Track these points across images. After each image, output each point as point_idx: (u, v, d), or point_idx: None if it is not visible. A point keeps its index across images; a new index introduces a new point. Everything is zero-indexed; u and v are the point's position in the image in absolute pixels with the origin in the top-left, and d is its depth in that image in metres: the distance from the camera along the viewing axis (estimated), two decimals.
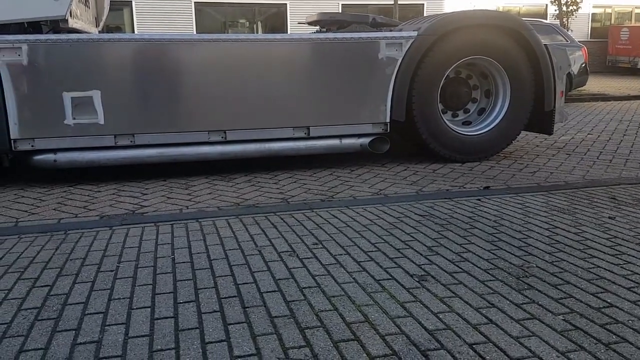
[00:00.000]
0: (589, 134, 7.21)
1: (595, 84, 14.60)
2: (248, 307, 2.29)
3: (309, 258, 2.86)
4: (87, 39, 4.48)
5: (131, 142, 4.64)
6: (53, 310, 2.30)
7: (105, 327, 2.14)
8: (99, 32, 6.43)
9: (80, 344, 2.02)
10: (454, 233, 3.24)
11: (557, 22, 16.47)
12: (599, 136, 6.99)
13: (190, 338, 2.05)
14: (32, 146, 4.47)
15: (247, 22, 18.11)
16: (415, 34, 5.06)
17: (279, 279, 2.58)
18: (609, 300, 2.32)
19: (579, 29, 20.47)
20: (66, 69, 4.42)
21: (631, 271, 2.63)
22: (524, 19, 5.93)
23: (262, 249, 3.00)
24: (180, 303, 2.34)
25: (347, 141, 5.13)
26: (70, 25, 4.82)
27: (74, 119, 4.49)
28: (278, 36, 4.90)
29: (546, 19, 18.46)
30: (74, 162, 4.58)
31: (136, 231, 3.36)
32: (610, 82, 15.68)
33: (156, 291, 2.47)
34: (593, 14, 21.89)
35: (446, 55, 5.16)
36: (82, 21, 5.46)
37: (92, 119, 4.52)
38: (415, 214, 3.65)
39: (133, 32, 16.49)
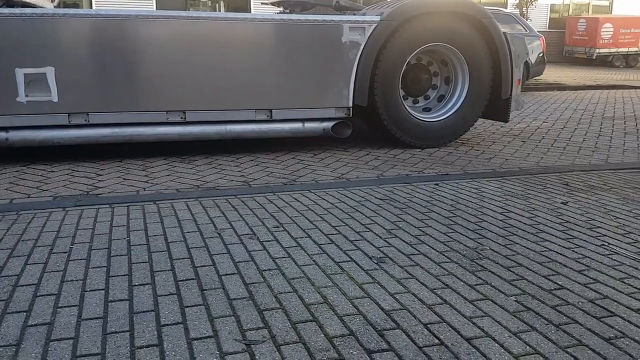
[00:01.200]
0: (544, 122, 7.39)
1: (552, 74, 14.96)
2: (206, 290, 2.27)
3: (269, 241, 2.85)
4: (42, 13, 4.31)
5: (86, 121, 4.51)
6: (3, 292, 2.23)
7: (58, 309, 2.09)
8: (55, 7, 6.20)
9: (32, 325, 1.97)
10: (412, 217, 3.28)
11: (517, 11, 16.76)
12: (553, 124, 7.18)
13: (145, 321, 2.02)
14: None
15: (210, 1, 17.76)
16: (378, 18, 5.06)
17: (239, 262, 2.57)
18: (560, 283, 2.39)
19: (538, 19, 20.88)
20: (19, 45, 4.25)
21: (582, 255, 2.72)
22: (484, 7, 5.99)
23: (222, 232, 2.98)
24: (135, 285, 2.30)
25: (310, 125, 5.11)
26: None
27: (27, 96, 4.34)
28: (240, 15, 4.81)
29: (506, 8, 18.75)
30: (27, 141, 4.43)
31: (90, 212, 3.28)
32: (566, 72, 16.09)
33: (110, 273, 2.42)
34: (552, 5, 22.37)
35: (408, 42, 5.18)
36: None
37: (46, 96, 4.38)
38: (376, 197, 3.68)
39: (90, 7, 15.96)
